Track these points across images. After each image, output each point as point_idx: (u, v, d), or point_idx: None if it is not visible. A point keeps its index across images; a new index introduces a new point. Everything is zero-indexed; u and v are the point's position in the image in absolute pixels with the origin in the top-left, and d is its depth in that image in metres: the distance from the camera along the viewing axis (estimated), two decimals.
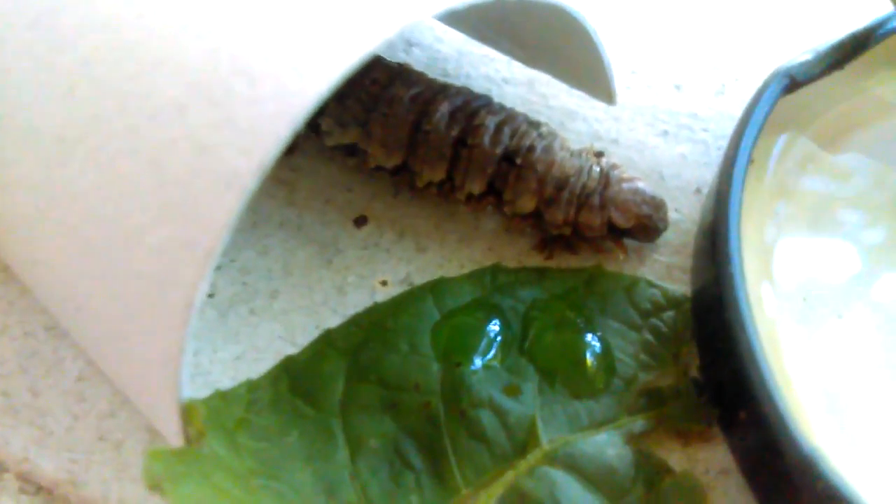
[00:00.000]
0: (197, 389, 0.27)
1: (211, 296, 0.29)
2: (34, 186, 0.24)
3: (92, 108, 0.23)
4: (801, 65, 0.29)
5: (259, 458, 0.24)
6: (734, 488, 0.25)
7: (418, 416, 0.25)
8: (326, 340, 0.27)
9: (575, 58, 0.30)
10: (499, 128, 0.29)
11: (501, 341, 0.27)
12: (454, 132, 0.29)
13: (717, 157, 0.32)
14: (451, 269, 0.30)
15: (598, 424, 0.26)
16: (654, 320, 0.28)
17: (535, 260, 0.30)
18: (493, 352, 0.27)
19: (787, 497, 0.24)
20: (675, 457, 0.26)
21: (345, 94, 0.29)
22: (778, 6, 0.37)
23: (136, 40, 0.23)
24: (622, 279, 0.29)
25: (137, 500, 0.25)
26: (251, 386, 0.26)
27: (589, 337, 0.27)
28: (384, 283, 0.29)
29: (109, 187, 0.22)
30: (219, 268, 0.30)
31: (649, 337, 0.27)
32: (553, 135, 0.29)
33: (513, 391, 0.26)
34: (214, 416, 0.24)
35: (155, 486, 0.23)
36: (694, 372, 0.27)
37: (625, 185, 0.29)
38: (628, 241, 0.30)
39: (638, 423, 0.26)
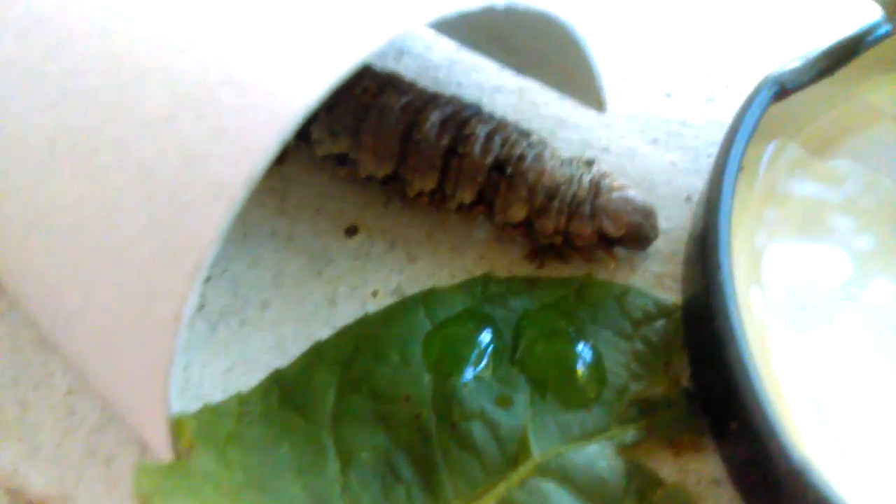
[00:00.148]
0: (187, 402, 0.26)
1: (201, 307, 0.29)
2: (22, 198, 0.24)
3: (80, 118, 0.23)
4: (791, 72, 0.29)
5: (249, 471, 0.24)
6: (726, 499, 0.25)
7: (409, 428, 0.25)
8: (317, 352, 0.27)
9: (565, 66, 0.30)
10: (489, 137, 0.29)
11: (493, 351, 0.27)
12: (445, 141, 0.29)
13: (707, 164, 0.32)
14: (443, 279, 0.30)
15: (589, 435, 0.26)
16: (645, 330, 0.28)
17: (527, 269, 0.30)
18: (484, 362, 0.27)
19: None
20: (667, 467, 0.26)
21: (335, 103, 0.29)
22: (767, 14, 0.37)
23: (125, 50, 0.23)
24: (613, 288, 0.29)
25: None
26: (241, 399, 0.26)
27: (580, 346, 0.27)
28: (375, 294, 0.29)
29: (97, 199, 0.22)
30: (209, 278, 0.29)
31: (640, 346, 0.27)
32: (543, 144, 0.29)
33: (504, 402, 0.26)
34: (204, 430, 0.24)
35: (145, 501, 0.23)
36: (685, 381, 0.27)
37: (615, 194, 0.29)
38: (619, 250, 0.29)
39: (629, 434, 0.26)
